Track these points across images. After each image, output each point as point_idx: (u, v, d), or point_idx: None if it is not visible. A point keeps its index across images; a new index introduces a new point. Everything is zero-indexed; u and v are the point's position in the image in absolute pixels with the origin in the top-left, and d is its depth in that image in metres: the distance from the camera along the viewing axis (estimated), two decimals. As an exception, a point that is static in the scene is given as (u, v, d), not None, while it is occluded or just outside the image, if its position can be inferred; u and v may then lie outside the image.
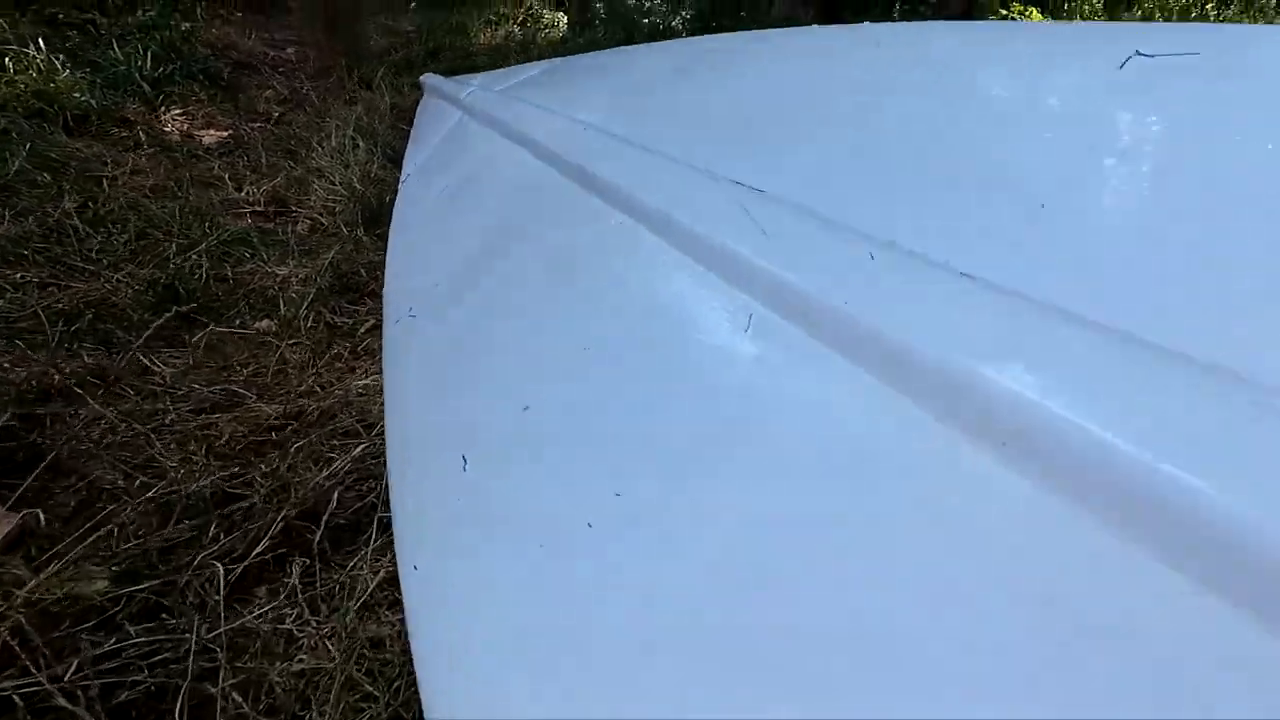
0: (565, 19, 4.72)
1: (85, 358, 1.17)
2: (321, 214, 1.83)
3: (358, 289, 1.45)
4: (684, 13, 3.91)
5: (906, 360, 0.35)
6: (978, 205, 0.45)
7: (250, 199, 1.90)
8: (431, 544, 0.50)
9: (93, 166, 1.88)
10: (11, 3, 2.84)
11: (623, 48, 1.36)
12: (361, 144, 2.12)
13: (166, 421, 0.97)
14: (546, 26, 4.58)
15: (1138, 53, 0.47)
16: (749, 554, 0.34)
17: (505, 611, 0.40)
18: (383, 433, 0.91)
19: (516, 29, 4.35)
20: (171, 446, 0.92)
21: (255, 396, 1.06)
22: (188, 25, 3.22)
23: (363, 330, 1.30)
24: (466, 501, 0.49)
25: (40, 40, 2.29)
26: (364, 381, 1.06)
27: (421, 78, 2.27)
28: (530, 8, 4.69)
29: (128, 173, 1.91)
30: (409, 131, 2.34)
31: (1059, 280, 0.35)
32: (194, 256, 1.50)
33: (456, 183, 1.12)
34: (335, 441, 0.93)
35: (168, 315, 1.28)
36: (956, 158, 0.51)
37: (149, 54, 2.62)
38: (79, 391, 1.06)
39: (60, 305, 1.28)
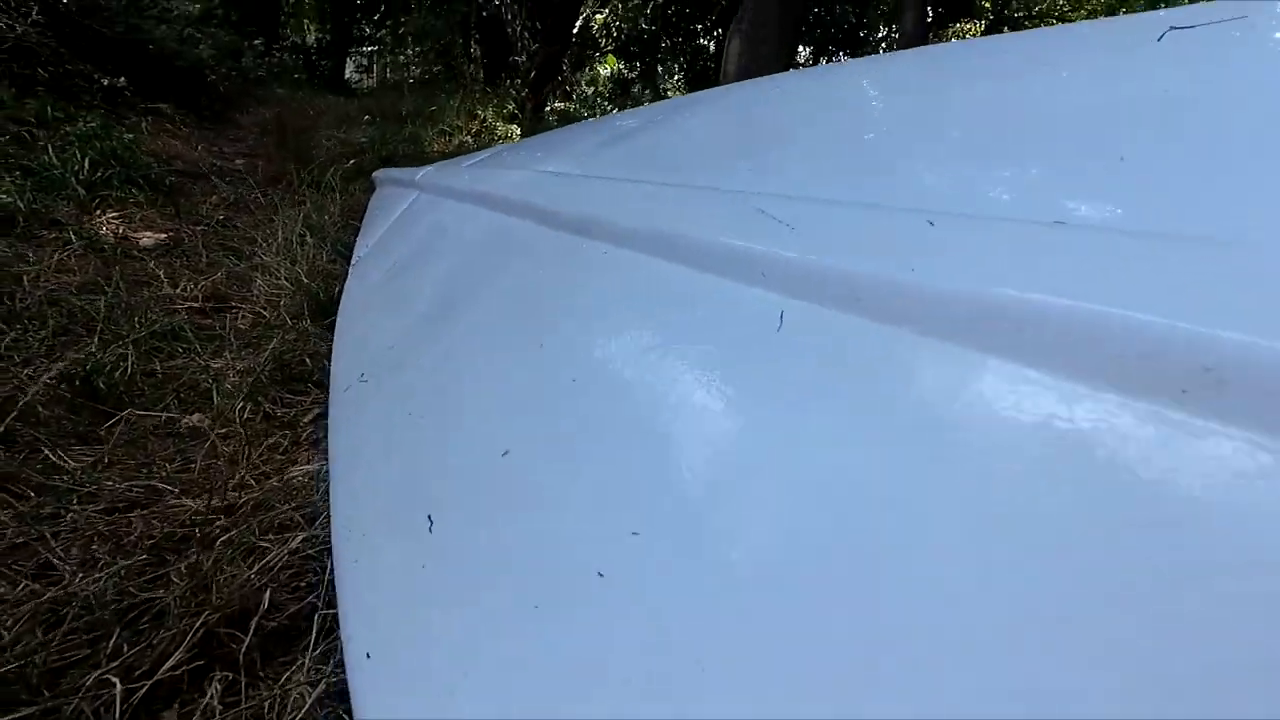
0: (519, 131, 4.92)
1: (-21, 456, 1.04)
2: (265, 308, 1.76)
3: (301, 378, 1.36)
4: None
5: (1009, 316, 0.30)
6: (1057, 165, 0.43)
7: (187, 294, 1.82)
8: (389, 623, 0.41)
9: (12, 264, 1.78)
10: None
11: (572, 125, 1.38)
12: (310, 239, 2.09)
13: (68, 520, 0.85)
14: (500, 139, 4.76)
15: (1172, 28, 0.47)
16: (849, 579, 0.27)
17: (491, 695, 0.32)
18: (327, 521, 0.81)
19: (470, 139, 4.51)
20: (72, 549, 0.80)
21: (178, 491, 0.95)
22: (131, 136, 3.22)
23: (306, 420, 1.20)
24: (434, 568, 0.41)
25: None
26: (306, 468, 0.96)
27: (375, 174, 2.29)
28: (484, 120, 4.89)
29: (51, 270, 1.82)
30: (358, 228, 2.32)
31: (1142, 219, 0.31)
32: (119, 350, 1.40)
33: (411, 251, 1.08)
34: (270, 535, 0.82)
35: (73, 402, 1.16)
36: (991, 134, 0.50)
37: (86, 160, 2.59)
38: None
39: (-43, 403, 1.16)
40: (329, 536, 0.71)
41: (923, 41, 3.85)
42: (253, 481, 0.98)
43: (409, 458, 0.53)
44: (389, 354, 0.73)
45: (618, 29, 8.54)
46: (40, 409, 1.19)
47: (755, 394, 0.36)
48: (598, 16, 8.33)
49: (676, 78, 10.49)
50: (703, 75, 9.38)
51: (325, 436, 1.10)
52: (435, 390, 0.59)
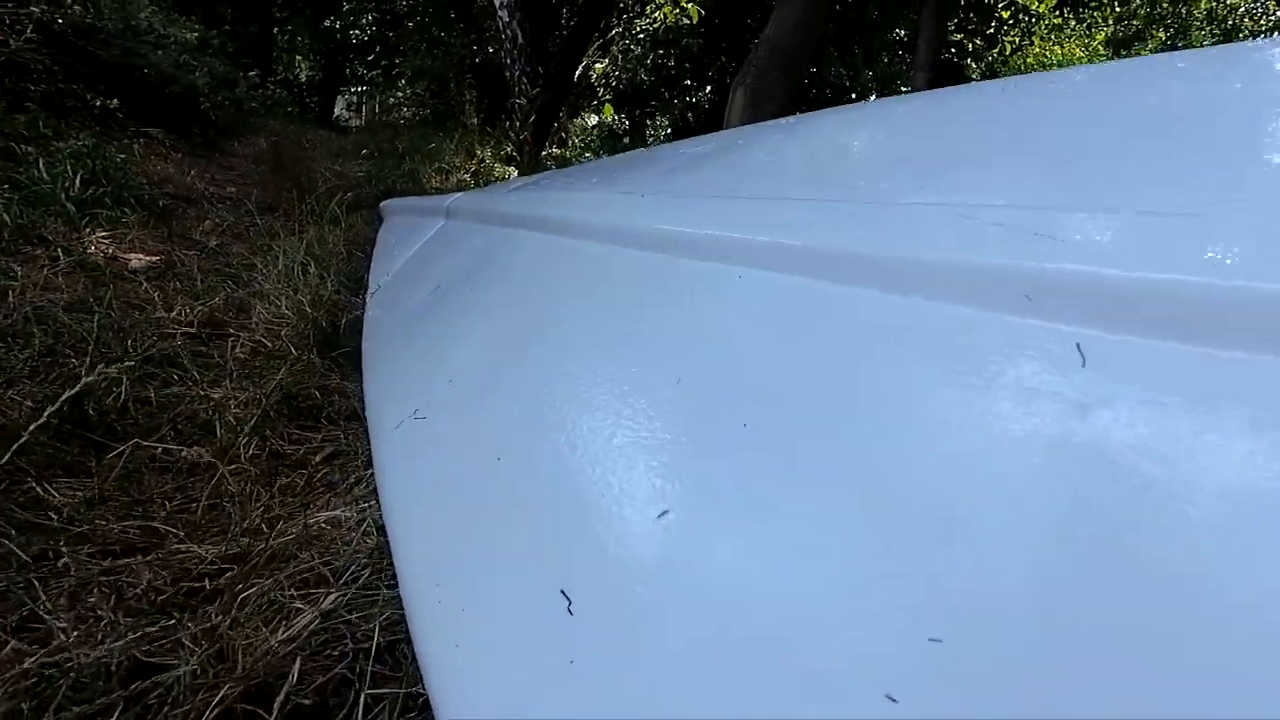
0: (516, 172, 4.91)
1: (-47, 490, 0.92)
2: (265, 337, 1.66)
3: (310, 413, 1.26)
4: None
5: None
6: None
7: (182, 319, 1.71)
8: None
9: (-3, 282, 1.67)
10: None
11: (616, 156, 1.33)
12: (313, 268, 2.00)
13: (59, 566, 0.73)
14: (498, 178, 4.73)
15: None
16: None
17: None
18: (359, 580, 0.71)
19: (469, 178, 4.47)
20: (62, 600, 0.69)
21: (182, 535, 0.84)
22: (123, 157, 3.13)
23: (318, 459, 1.10)
24: (588, 663, 0.32)
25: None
26: (330, 514, 0.86)
27: (382, 204, 2.22)
28: (482, 160, 4.86)
29: (38, 287, 1.70)
30: (364, 260, 2.23)
31: None
32: (110, 375, 1.29)
33: (455, 278, 1.00)
34: (294, 591, 0.72)
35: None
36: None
37: (78, 177, 2.48)
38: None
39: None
40: (371, 597, 0.61)
41: (937, 56, 3.88)
42: (265, 527, 0.87)
43: (521, 517, 0.44)
44: (450, 389, 0.64)
45: (616, 79, 8.69)
46: (23, 433, 1.08)
47: (1093, 464, 0.28)
48: (597, 66, 8.47)
49: (666, 131, 10.69)
50: (686, 130, 9.55)
51: (348, 476, 1.00)
52: (535, 434, 0.50)
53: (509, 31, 6.90)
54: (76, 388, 1.13)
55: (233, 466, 1.00)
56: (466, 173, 4.55)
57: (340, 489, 0.97)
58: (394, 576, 0.58)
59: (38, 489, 0.89)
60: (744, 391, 0.41)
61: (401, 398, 0.69)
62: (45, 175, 2.35)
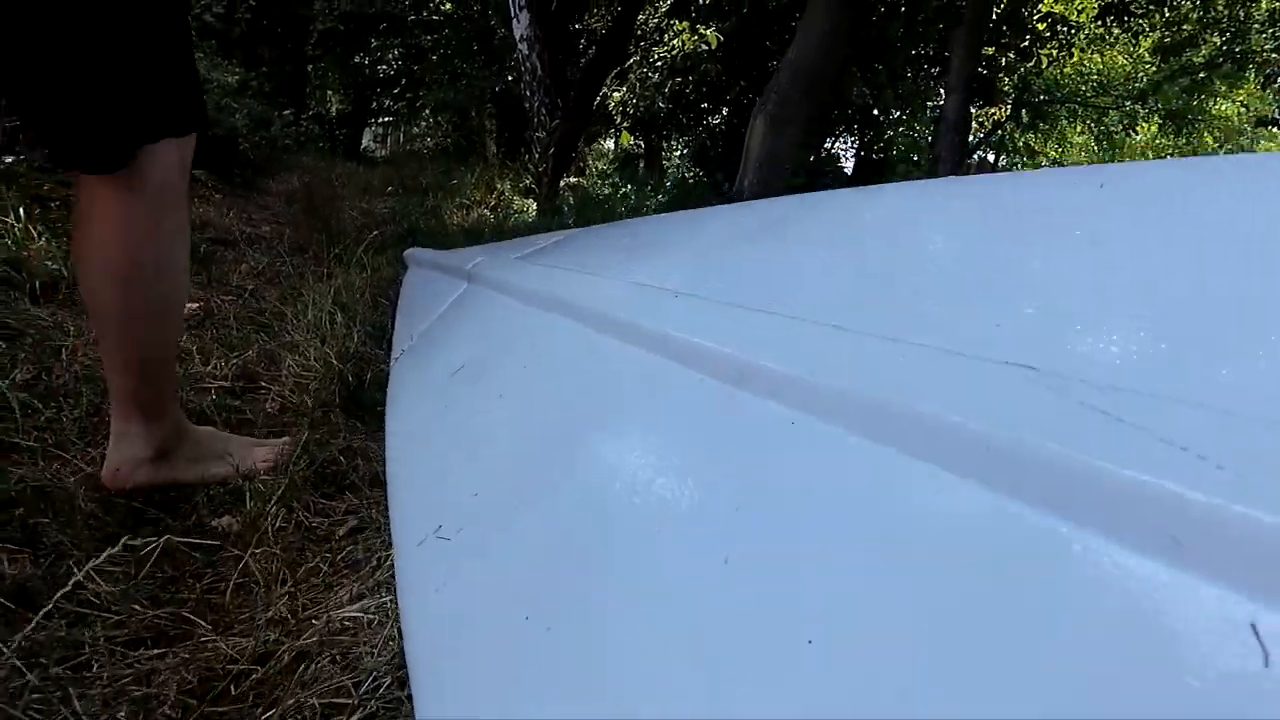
0: (535, 205, 4.97)
1: (6, 564, 0.95)
2: (293, 390, 1.69)
3: (334, 479, 1.29)
4: (659, 196, 4.14)
5: None
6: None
7: (218, 372, 1.76)
8: None
9: (53, 336, 1.72)
10: (5, 177, 2.79)
11: (639, 219, 1.34)
12: (340, 317, 2.04)
13: (93, 671, 0.76)
14: (517, 212, 4.80)
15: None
16: None
17: None
18: (378, 694, 0.73)
19: (488, 212, 4.54)
20: (96, 703, 0.71)
21: (210, 625, 0.86)
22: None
23: (342, 533, 1.12)
24: None
25: (21, 210, 2.21)
26: (349, 612, 0.87)
27: (406, 253, 2.26)
28: (501, 194, 4.93)
29: (89, 342, 1.76)
30: (389, 307, 2.28)
31: None
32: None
33: (477, 359, 1.01)
34: (314, 701, 0.73)
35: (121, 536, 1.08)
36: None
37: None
38: (-16, 619, 0.84)
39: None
40: (393, 713, 0.62)
41: (965, 128, 3.85)
42: (289, 615, 0.89)
43: (551, 690, 0.42)
44: (475, 503, 0.64)
45: (634, 106, 8.77)
46: (69, 505, 1.11)
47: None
48: (615, 95, 8.56)
49: (680, 154, 10.75)
50: (703, 155, 9.58)
51: (370, 557, 1.02)
52: (564, 590, 0.49)
53: (529, 64, 7.01)
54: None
55: (260, 549, 1.02)
56: (486, 207, 4.62)
57: (363, 570, 0.99)
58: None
59: (78, 572, 0.92)
60: (801, 588, 0.38)
61: (425, 504, 0.70)
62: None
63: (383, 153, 11.63)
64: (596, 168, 11.04)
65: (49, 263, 2.06)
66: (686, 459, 0.51)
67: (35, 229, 2.23)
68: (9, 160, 3.19)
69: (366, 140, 11.84)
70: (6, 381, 1.45)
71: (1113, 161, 17.49)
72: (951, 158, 3.95)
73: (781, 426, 0.47)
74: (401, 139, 11.80)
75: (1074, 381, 0.38)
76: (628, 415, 0.63)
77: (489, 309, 1.13)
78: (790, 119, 4.80)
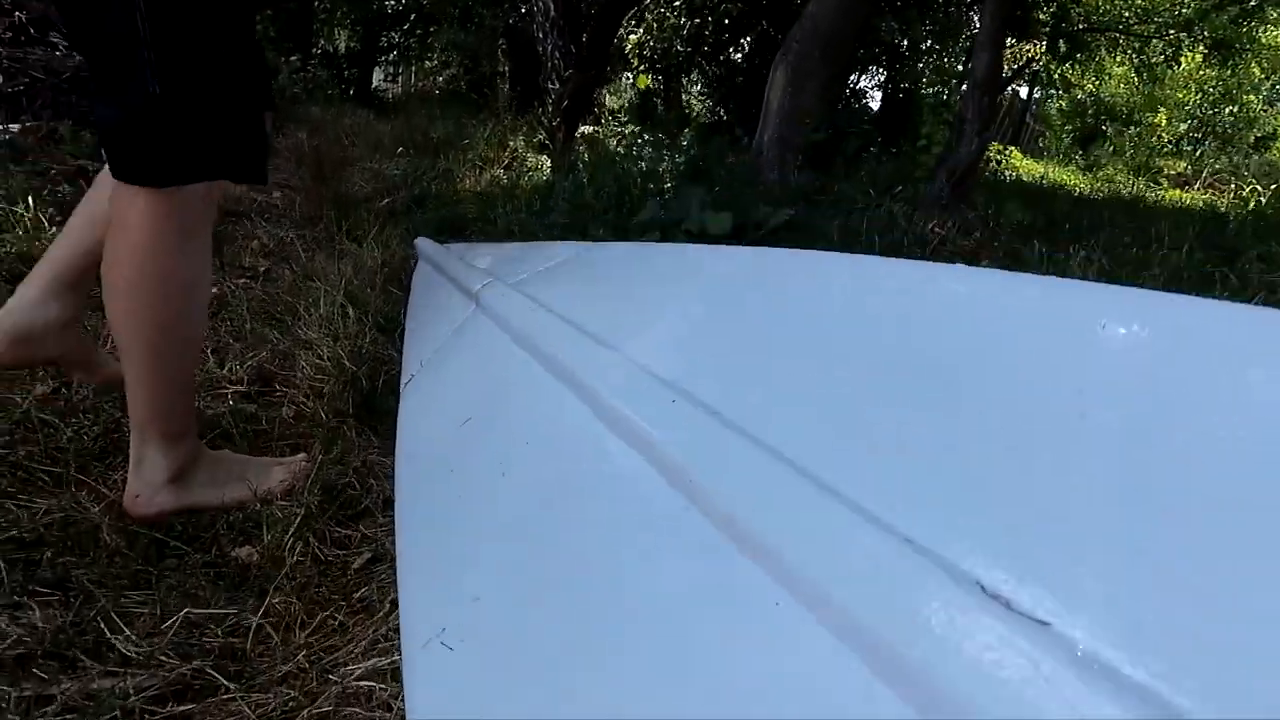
0: (549, 162, 4.86)
1: (37, 611, 1.00)
2: (308, 395, 1.72)
3: (349, 504, 1.32)
4: (676, 157, 4.03)
5: None
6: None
7: (233, 376, 1.78)
8: None
9: (63, 344, 1.75)
10: (7, 157, 2.78)
11: (652, 247, 1.30)
12: (351, 311, 2.04)
13: (126, 733, 0.80)
14: (530, 170, 4.70)
15: None
16: None
17: None
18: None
19: (501, 172, 4.46)
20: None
21: (230, 678, 0.91)
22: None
23: (357, 566, 1.16)
24: None
25: (30, 198, 2.20)
26: (364, 668, 0.91)
27: (416, 241, 2.24)
28: (514, 151, 4.83)
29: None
30: (399, 296, 2.27)
31: None
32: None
33: (483, 416, 1.01)
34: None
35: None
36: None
37: (136, 209, 2.55)
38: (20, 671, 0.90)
39: (15, 533, 1.12)
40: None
41: (995, 88, 3.64)
42: (308, 664, 0.93)
43: None
44: (475, 611, 0.66)
45: (651, 49, 8.44)
46: (96, 538, 1.16)
47: None
48: (631, 37, 8.23)
49: (698, 88, 10.37)
50: (723, 95, 9.24)
51: (384, 599, 1.05)
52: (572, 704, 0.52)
53: (541, 4, 6.73)
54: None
55: (278, 598, 1.06)
56: (500, 166, 4.53)
57: (377, 616, 1.03)
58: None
59: (106, 628, 0.97)
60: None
61: (430, 597, 0.72)
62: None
63: (394, 91, 11.35)
64: (613, 107, 10.71)
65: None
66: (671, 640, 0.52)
67: (44, 215, 2.23)
68: (13, 129, 3.16)
69: (377, 79, 11.54)
70: (29, 397, 1.49)
71: (1154, 93, 16.61)
72: (979, 118, 3.78)
73: (767, 607, 0.48)
74: (413, 77, 11.49)
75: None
76: (621, 534, 0.64)
77: (494, 350, 1.12)
78: (811, 71, 4.61)
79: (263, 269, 2.64)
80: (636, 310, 1.03)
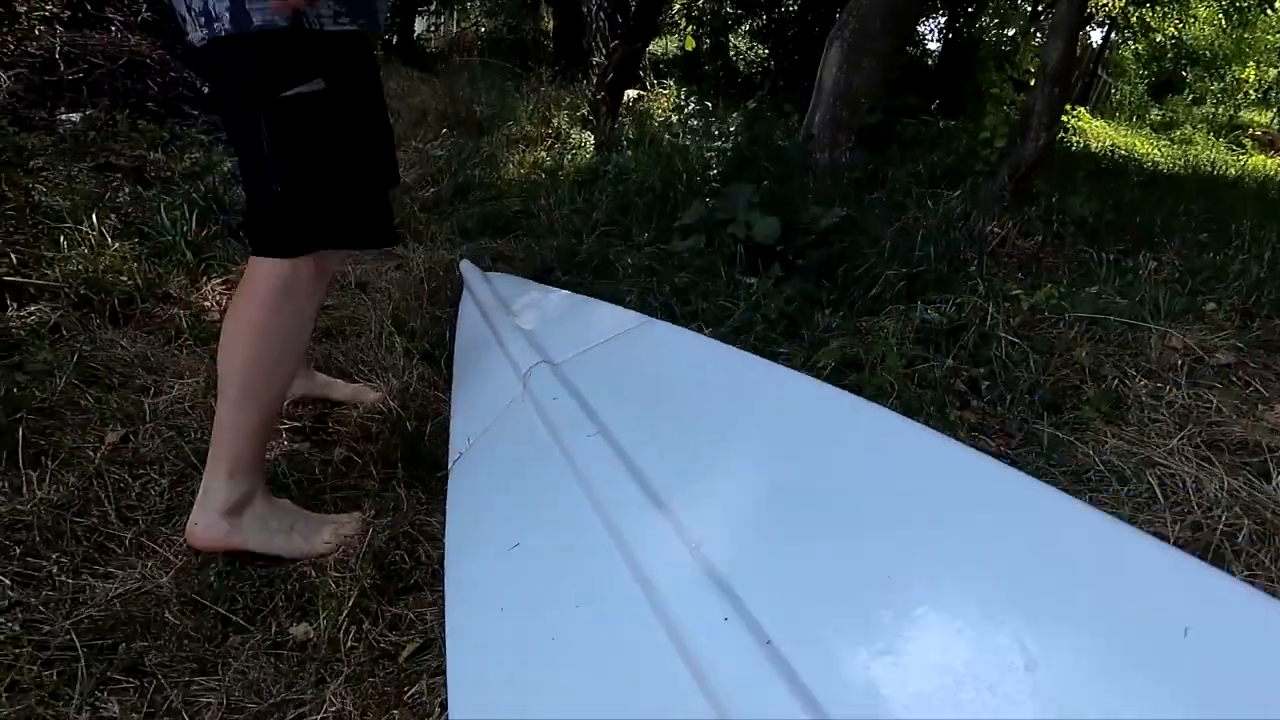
0: (592, 139, 4.76)
1: (115, 705, 1.07)
2: (358, 438, 1.76)
3: (400, 576, 1.36)
4: (723, 142, 3.90)
5: None
6: None
7: (291, 413, 1.83)
8: None
9: (135, 374, 1.81)
10: (69, 154, 2.83)
11: (733, 353, 1.24)
12: (399, 342, 2.06)
13: None
14: (574, 148, 4.61)
15: None
16: None
17: None
18: None
19: (544, 154, 4.38)
20: None
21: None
22: (229, 165, 3.21)
23: (407, 654, 1.20)
24: None
25: (94, 215, 2.25)
26: None
27: (460, 266, 2.23)
28: (558, 130, 4.73)
29: (169, 380, 1.85)
30: (443, 314, 2.27)
31: None
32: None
33: (533, 545, 1.02)
34: None
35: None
36: None
37: (194, 215, 2.58)
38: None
39: (91, 614, 1.19)
40: None
41: (1066, 81, 3.40)
42: (363, 779, 0.98)
43: None
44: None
45: (700, 9, 8.07)
46: (167, 616, 1.22)
47: None
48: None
49: (750, 49, 9.94)
50: (771, 53, 8.83)
51: (435, 700, 1.09)
52: None
53: (588, -38, 6.47)
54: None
55: (333, 685, 1.11)
56: (543, 148, 4.45)
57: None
58: None
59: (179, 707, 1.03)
60: None
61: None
62: (166, 222, 2.46)
63: (437, 43, 11.14)
64: (655, 52, 10.32)
65: (124, 277, 2.12)
66: None
67: (107, 231, 2.28)
68: (74, 119, 3.20)
69: (420, 28, 11.32)
70: (100, 446, 1.55)
71: (1243, 41, 15.31)
72: (1048, 111, 3.55)
73: None
74: (455, 29, 11.24)
75: None
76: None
77: (543, 461, 1.12)
78: (868, 50, 4.36)
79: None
80: (697, 454, 1.02)
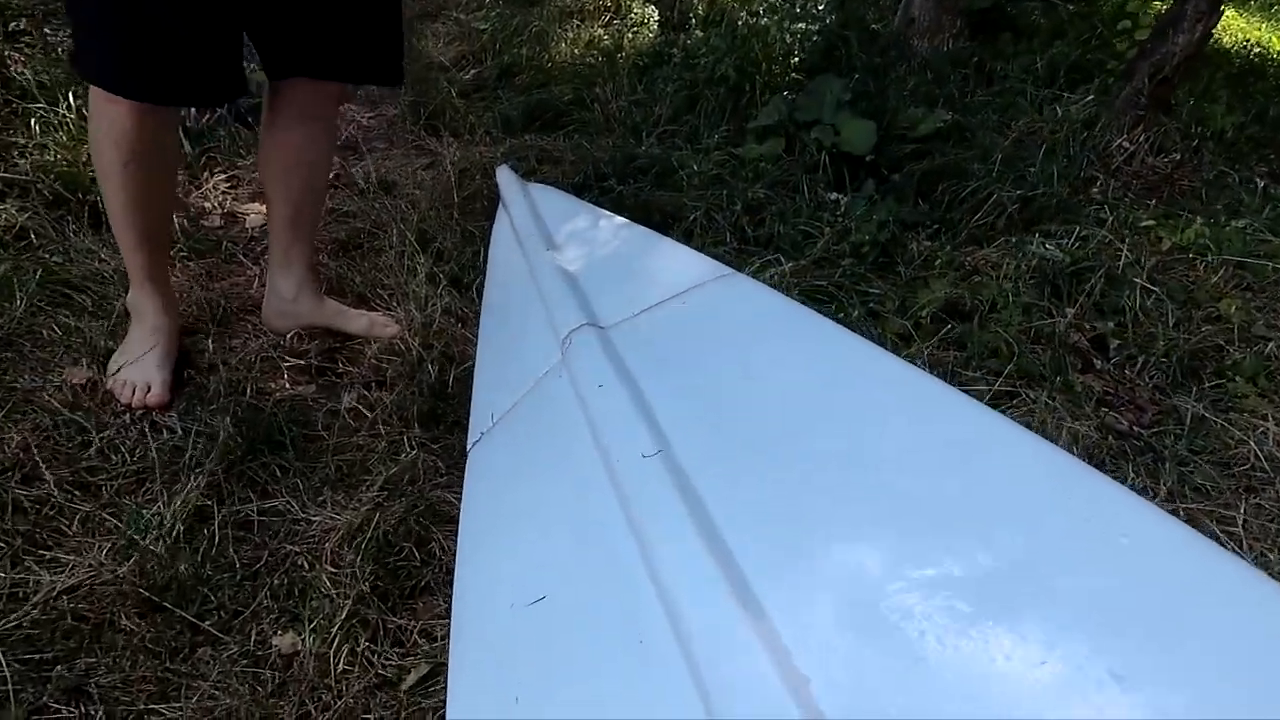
0: (656, 14, 4.12)
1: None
2: (370, 383, 1.47)
3: (407, 573, 1.10)
4: (806, 25, 3.31)
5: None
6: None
7: (293, 347, 1.54)
8: None
9: (114, 295, 1.53)
10: (56, 16, 2.44)
11: (829, 326, 0.91)
12: (422, 264, 1.73)
13: None
14: (635, 25, 4.00)
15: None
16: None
17: None
18: None
19: (602, 32, 3.79)
20: None
21: None
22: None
23: (410, 684, 0.96)
24: None
25: (71, 95, 1.90)
26: None
27: (498, 172, 1.86)
28: (618, 1, 4.10)
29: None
30: (477, 234, 1.91)
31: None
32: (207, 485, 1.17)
33: (561, 602, 0.74)
34: None
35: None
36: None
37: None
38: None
39: (33, 616, 0.97)
40: None
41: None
42: None
43: None
44: None
45: None
46: (117, 619, 0.99)
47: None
48: None
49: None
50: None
51: None
52: None
53: None
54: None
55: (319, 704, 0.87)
56: (600, 24, 3.85)
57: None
58: None
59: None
60: None
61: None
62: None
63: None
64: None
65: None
66: None
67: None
68: None
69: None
70: (61, 383, 1.29)
71: None
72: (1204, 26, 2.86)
73: None
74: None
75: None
76: None
77: (585, 476, 0.81)
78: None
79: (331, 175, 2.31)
80: (806, 512, 0.68)
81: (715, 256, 2.04)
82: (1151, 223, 2.65)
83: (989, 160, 2.64)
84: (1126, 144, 3.10)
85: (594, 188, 2.16)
